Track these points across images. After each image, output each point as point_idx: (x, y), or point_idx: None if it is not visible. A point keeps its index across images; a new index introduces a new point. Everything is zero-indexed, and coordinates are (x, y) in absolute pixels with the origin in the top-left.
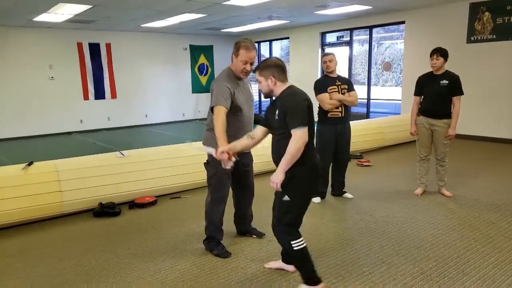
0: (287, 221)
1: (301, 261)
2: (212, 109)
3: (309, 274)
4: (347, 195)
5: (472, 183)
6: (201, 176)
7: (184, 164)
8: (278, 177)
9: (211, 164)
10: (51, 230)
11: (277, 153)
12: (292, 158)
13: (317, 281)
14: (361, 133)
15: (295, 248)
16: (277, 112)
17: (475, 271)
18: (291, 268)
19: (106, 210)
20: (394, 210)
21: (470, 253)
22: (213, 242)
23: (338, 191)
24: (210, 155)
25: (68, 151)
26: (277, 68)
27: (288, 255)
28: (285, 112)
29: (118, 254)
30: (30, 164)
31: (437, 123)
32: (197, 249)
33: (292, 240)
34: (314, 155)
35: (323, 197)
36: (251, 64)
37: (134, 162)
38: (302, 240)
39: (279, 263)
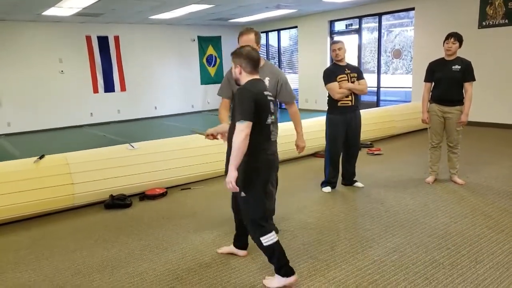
0: (252, 217)
1: (272, 255)
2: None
3: (281, 266)
4: (358, 184)
5: (484, 170)
6: (210, 167)
7: (194, 155)
8: (230, 176)
9: None
10: (63, 222)
11: (229, 140)
12: (238, 153)
13: (289, 273)
14: (371, 121)
15: (264, 245)
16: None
17: (488, 259)
18: (241, 252)
19: (117, 202)
20: (405, 198)
21: (483, 241)
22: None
23: (349, 180)
24: None
25: (79, 144)
26: (246, 59)
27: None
28: (234, 104)
29: (130, 245)
30: (41, 157)
31: (450, 110)
32: (207, 240)
33: (261, 236)
34: (264, 148)
35: (333, 186)
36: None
37: (144, 154)
38: (271, 236)
39: (230, 248)
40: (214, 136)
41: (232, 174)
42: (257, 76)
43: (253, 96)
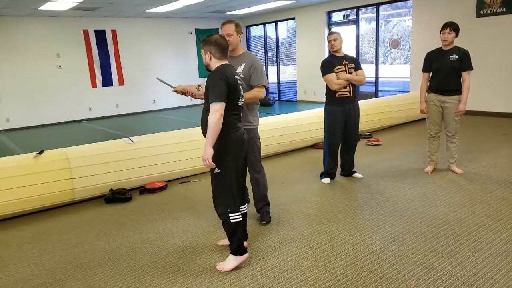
0: (224, 193)
1: (234, 233)
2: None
3: (238, 245)
4: (357, 175)
5: (483, 159)
6: None
7: (193, 148)
8: (207, 153)
9: None
10: (64, 217)
11: (203, 124)
12: (213, 132)
13: (244, 251)
14: (370, 112)
15: (231, 220)
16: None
17: (487, 248)
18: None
19: (117, 196)
20: (404, 188)
21: (481, 229)
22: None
23: (348, 171)
24: None
25: (78, 139)
26: (215, 45)
27: (223, 225)
28: (207, 87)
29: (131, 239)
30: (41, 152)
31: (448, 99)
32: (207, 232)
33: (231, 213)
34: (236, 128)
35: (332, 177)
36: (229, 35)
37: (143, 148)
38: (239, 214)
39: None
40: (182, 93)
41: (208, 151)
42: (226, 62)
43: (226, 79)
